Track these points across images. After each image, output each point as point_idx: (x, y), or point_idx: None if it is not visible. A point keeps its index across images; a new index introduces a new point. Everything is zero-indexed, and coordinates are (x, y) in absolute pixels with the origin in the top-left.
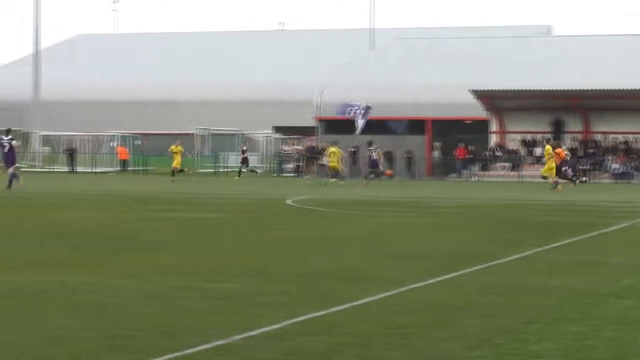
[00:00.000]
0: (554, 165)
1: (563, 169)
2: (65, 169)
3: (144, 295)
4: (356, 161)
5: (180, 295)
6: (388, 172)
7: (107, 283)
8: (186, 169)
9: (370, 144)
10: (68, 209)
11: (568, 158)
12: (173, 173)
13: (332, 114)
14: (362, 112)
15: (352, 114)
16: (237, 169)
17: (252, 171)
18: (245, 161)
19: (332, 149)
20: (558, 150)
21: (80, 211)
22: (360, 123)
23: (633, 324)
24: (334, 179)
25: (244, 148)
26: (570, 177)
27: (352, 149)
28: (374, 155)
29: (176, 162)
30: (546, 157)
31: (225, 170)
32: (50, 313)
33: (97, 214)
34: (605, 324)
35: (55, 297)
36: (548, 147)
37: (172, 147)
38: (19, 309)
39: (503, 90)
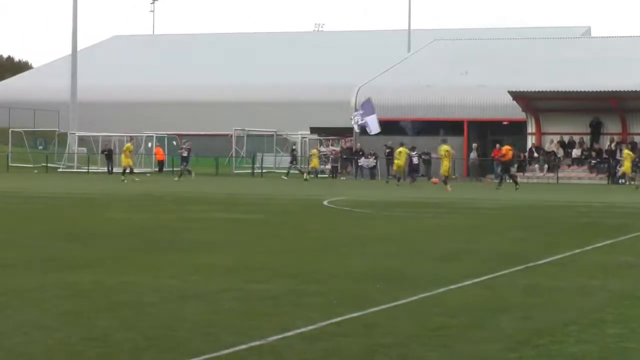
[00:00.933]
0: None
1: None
2: (102, 169)
3: (183, 296)
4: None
5: (219, 296)
6: (435, 180)
7: (145, 283)
8: (186, 171)
9: (413, 148)
10: (107, 209)
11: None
12: (124, 172)
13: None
14: (362, 111)
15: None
16: (286, 170)
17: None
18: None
19: (400, 149)
20: (504, 148)
21: (119, 212)
22: (370, 124)
23: None
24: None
25: (294, 147)
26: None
27: (388, 150)
28: (415, 159)
29: (126, 161)
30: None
31: (261, 171)
32: (90, 313)
33: (135, 214)
34: None
35: (94, 297)
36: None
37: (128, 145)
38: (59, 309)
39: (541, 92)
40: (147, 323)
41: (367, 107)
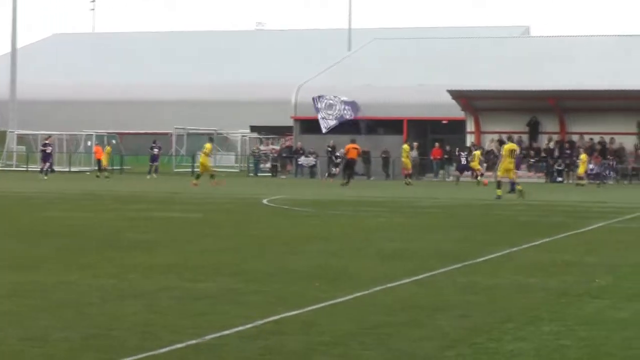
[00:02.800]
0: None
1: None
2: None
3: (122, 295)
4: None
5: (158, 295)
6: (485, 181)
7: (85, 282)
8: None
9: (468, 149)
10: (46, 208)
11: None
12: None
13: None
14: (340, 113)
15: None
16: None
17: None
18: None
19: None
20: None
21: (58, 210)
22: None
23: (607, 324)
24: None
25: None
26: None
27: (329, 148)
28: (465, 159)
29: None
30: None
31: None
32: (29, 313)
33: (75, 213)
34: (580, 323)
35: (33, 297)
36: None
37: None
38: None
39: (480, 91)
40: (86, 322)
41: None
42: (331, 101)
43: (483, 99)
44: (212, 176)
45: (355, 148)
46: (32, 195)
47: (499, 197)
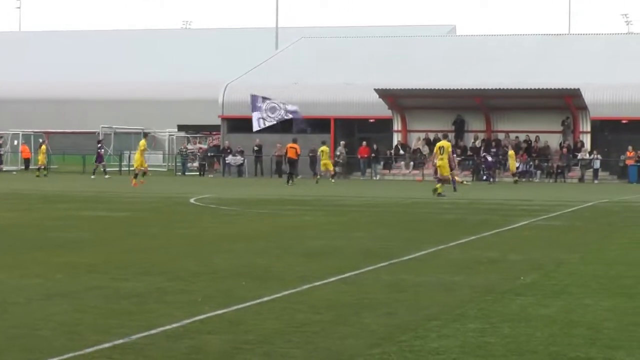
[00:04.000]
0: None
1: None
2: None
3: (48, 294)
4: (260, 160)
5: (84, 295)
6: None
7: (10, 282)
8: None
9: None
10: None
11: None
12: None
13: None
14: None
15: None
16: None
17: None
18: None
19: (322, 147)
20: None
21: None
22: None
23: (530, 321)
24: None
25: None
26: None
27: (256, 148)
28: (491, 157)
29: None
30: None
31: (129, 168)
32: None
33: (2, 212)
34: (504, 320)
35: None
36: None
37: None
38: None
39: (406, 89)
40: (11, 322)
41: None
42: (275, 105)
43: (409, 97)
44: (136, 175)
45: (293, 147)
46: None
47: (439, 194)
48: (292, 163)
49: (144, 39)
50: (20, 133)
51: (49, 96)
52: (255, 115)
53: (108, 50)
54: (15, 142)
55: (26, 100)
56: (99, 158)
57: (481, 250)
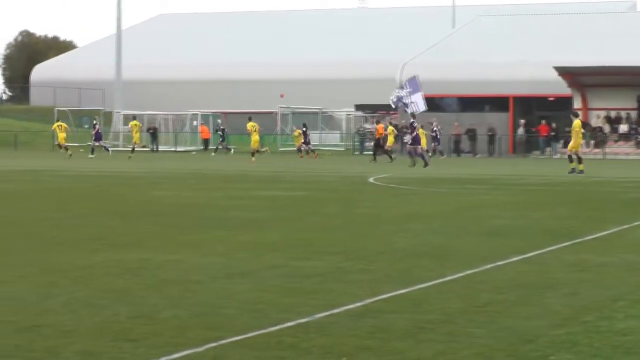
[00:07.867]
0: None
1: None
2: (147, 148)
3: (230, 273)
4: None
5: (265, 273)
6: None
7: (192, 261)
8: (264, 149)
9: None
10: (152, 188)
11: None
12: (253, 154)
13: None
14: (410, 89)
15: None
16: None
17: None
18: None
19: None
20: (378, 126)
21: (165, 190)
22: (417, 102)
23: None
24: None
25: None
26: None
27: (434, 129)
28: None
29: (253, 142)
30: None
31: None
32: (137, 291)
33: (182, 192)
34: None
35: (141, 275)
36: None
37: (248, 125)
38: (107, 287)
39: (587, 67)
40: (194, 300)
41: (413, 84)
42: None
43: (590, 75)
44: (253, 154)
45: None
46: (138, 175)
47: (580, 171)
48: (377, 143)
49: (320, 19)
50: (199, 114)
51: (226, 77)
52: (419, 95)
53: (284, 31)
54: (195, 123)
55: (204, 82)
56: (98, 136)
57: None
